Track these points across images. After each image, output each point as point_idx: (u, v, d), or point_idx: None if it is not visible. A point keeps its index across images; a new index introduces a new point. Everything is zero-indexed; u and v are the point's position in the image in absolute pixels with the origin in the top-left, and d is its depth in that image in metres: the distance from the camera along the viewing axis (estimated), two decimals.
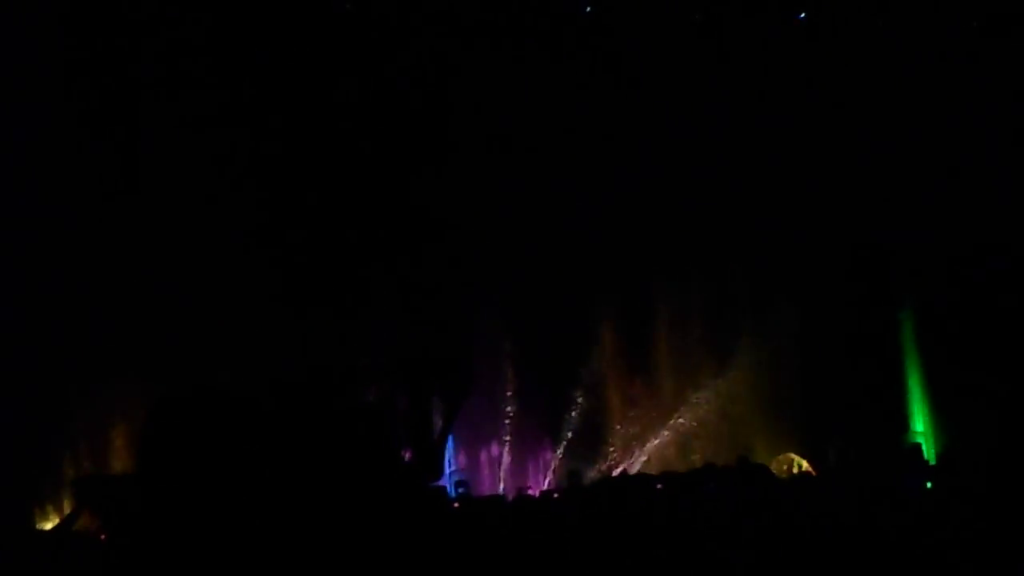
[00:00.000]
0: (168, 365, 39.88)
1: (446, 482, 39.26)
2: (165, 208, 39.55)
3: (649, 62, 43.73)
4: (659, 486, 36.61)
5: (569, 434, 45.32)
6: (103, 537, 32.40)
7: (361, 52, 37.54)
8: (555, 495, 39.85)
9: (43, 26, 40.83)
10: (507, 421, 45.32)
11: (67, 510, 38.44)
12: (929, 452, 41.85)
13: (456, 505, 36.24)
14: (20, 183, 40.47)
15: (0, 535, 34.77)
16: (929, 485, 35.44)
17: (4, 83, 39.94)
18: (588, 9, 44.01)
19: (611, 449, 45.04)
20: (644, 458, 44.62)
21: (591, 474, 43.82)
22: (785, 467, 42.09)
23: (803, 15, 44.38)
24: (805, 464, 42.25)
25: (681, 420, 45.10)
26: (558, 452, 45.25)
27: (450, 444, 38.46)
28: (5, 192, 40.07)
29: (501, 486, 44.68)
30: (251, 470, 29.88)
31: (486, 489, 43.49)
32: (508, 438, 45.39)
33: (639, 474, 41.98)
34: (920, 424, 43.14)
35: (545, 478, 45.52)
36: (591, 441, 45.28)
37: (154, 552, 26.54)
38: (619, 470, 44.04)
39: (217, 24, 37.22)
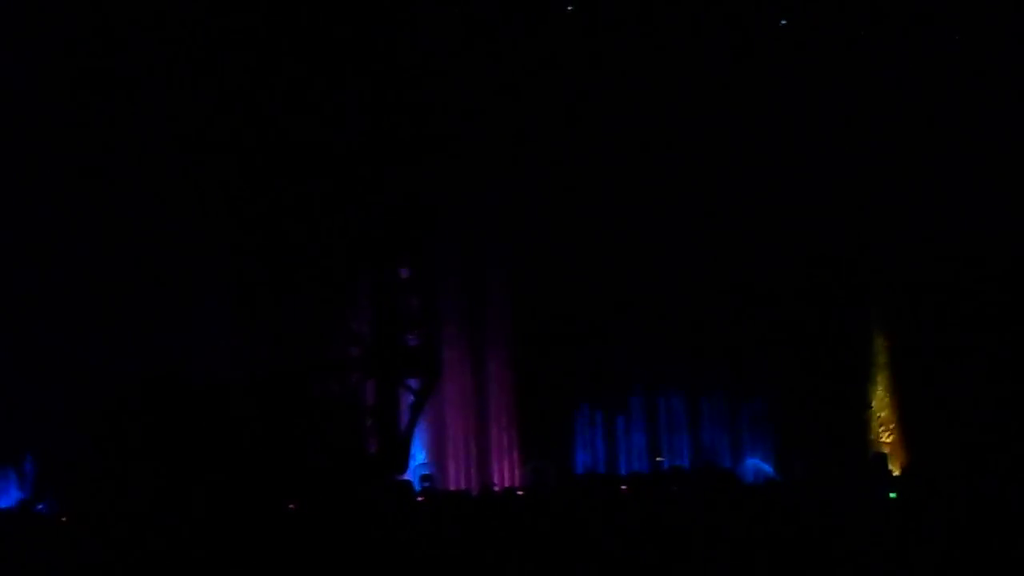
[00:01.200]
0: (139, 353, 39.89)
1: (411, 475, 39.15)
2: (141, 197, 39.44)
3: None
4: (623, 487, 36.63)
5: (532, 430, 45.25)
6: (63, 520, 32.30)
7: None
8: (519, 492, 39.79)
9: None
10: (473, 415, 45.24)
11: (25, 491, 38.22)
12: (893, 463, 41.95)
13: (421, 499, 36.16)
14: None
15: None
16: (893, 495, 35.49)
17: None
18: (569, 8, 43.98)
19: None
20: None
21: (555, 472, 43.72)
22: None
23: (784, 22, 44.35)
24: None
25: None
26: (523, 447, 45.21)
27: (416, 438, 38.28)
28: None
29: (463, 480, 44.59)
30: (212, 459, 29.85)
31: (451, 483, 43.39)
32: (472, 432, 45.30)
33: (604, 474, 41.94)
34: (886, 435, 43.22)
35: (509, 474, 45.46)
36: (554, 437, 45.18)
37: (112, 536, 26.50)
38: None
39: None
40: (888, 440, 42.87)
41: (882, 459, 41.29)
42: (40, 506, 35.15)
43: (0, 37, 40.37)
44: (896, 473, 41.00)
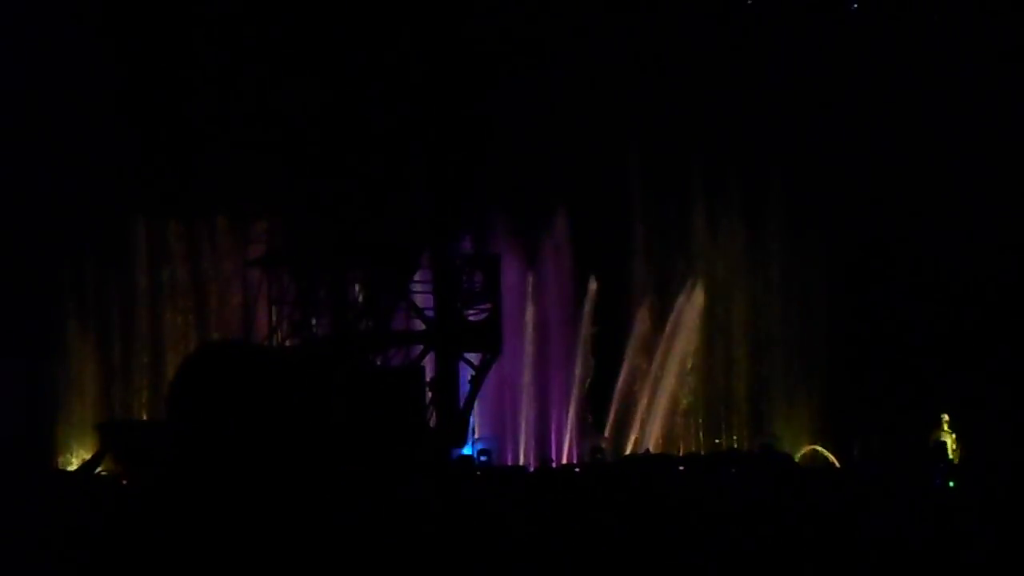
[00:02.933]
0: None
1: (470, 450, 39.35)
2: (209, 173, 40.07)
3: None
4: (681, 468, 36.68)
5: (589, 405, 45.41)
6: (125, 481, 32.62)
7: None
8: (576, 469, 39.90)
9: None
10: (531, 391, 45.43)
11: (90, 453, 38.64)
12: (953, 451, 41.76)
13: (479, 473, 36.36)
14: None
15: (24, 476, 35.02)
16: (952, 484, 35.38)
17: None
18: None
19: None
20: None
21: (610, 450, 43.82)
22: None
23: (856, 5, 44.19)
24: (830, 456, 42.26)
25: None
26: (583, 419, 45.33)
27: (474, 411, 38.49)
28: None
29: (522, 456, 44.77)
30: (279, 425, 30.05)
31: (507, 458, 43.58)
32: (530, 408, 45.49)
33: (662, 454, 41.97)
34: (946, 423, 43.01)
35: (565, 449, 45.60)
36: (609, 413, 45.31)
37: (177, 499, 26.71)
38: (640, 448, 44.03)
39: None
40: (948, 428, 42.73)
41: (942, 447, 41.15)
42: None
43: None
44: (955, 461, 40.84)
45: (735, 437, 44.56)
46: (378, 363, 35.67)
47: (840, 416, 43.24)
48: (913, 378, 43.29)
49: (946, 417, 42.49)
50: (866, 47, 44.37)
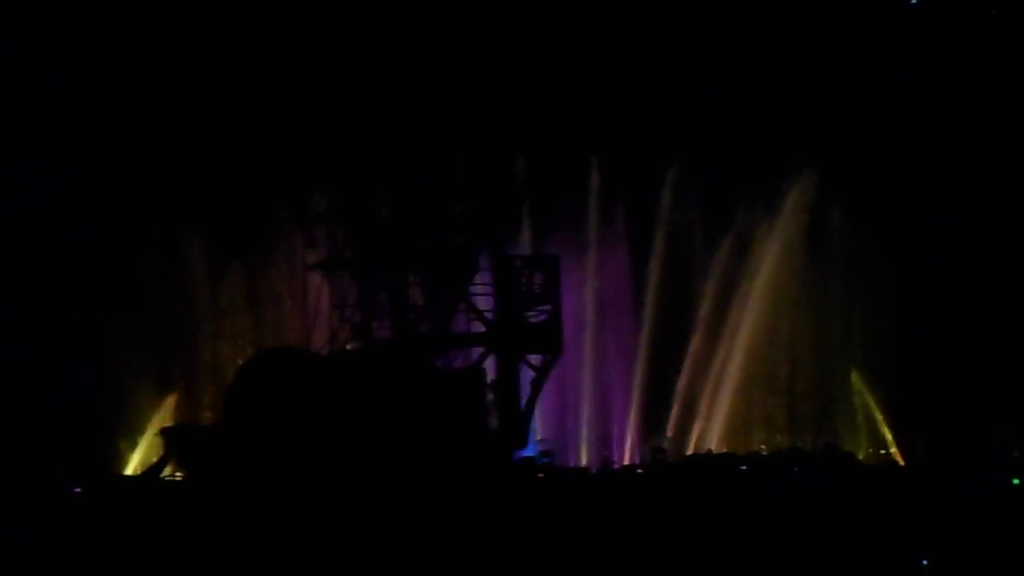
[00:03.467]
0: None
1: (532, 450, 39.32)
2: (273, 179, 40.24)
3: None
4: (743, 467, 36.53)
5: (647, 405, 45.41)
6: (188, 484, 32.84)
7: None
8: (639, 470, 39.81)
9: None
10: (593, 393, 45.44)
11: (155, 457, 38.88)
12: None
13: (541, 475, 36.33)
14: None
15: (87, 479, 35.30)
16: (1016, 481, 35.06)
17: None
18: None
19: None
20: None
21: (672, 450, 43.75)
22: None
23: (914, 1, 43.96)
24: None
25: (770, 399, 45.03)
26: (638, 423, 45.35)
27: (536, 412, 38.47)
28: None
29: (584, 457, 44.75)
30: (337, 429, 30.20)
31: (568, 458, 43.58)
32: (591, 408, 45.50)
33: (724, 454, 41.84)
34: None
35: (625, 450, 45.54)
36: (668, 413, 45.28)
37: (236, 500, 26.90)
38: (702, 447, 43.94)
39: None
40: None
41: (1007, 444, 40.78)
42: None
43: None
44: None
45: (796, 437, 44.41)
46: (439, 366, 35.70)
47: (905, 415, 42.99)
48: (977, 376, 43.03)
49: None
50: (931, 44, 44.12)
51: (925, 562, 25.01)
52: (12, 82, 40.93)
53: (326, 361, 32.84)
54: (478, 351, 36.32)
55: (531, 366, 36.51)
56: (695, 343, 45.46)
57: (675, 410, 45.10)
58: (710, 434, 44.64)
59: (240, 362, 38.44)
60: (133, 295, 43.13)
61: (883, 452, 42.42)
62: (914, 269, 43.55)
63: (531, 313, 36.45)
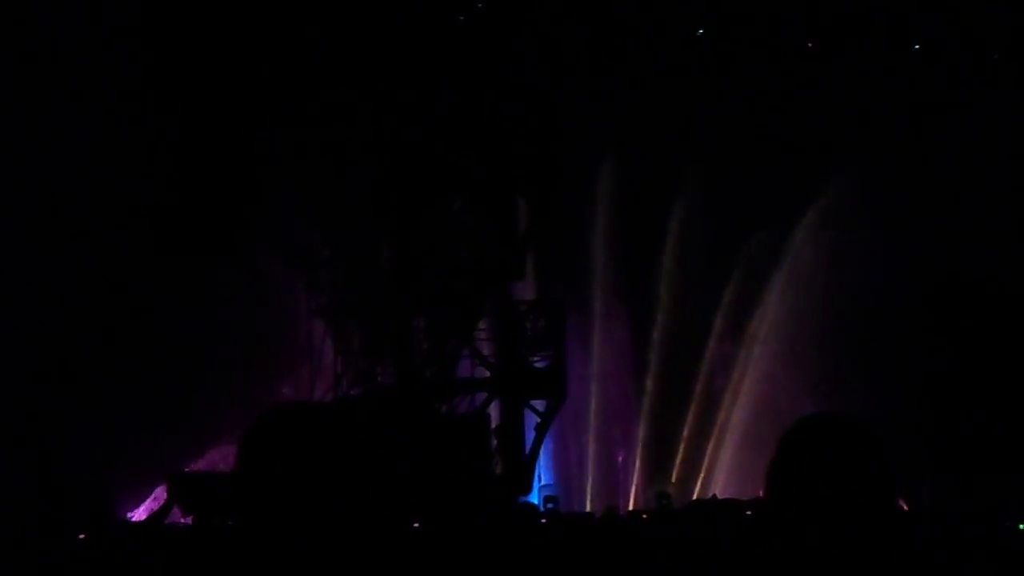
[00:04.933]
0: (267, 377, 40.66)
1: (535, 496, 39.27)
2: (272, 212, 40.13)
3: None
4: (748, 512, 36.40)
5: (651, 452, 45.37)
6: (193, 530, 32.80)
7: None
8: (644, 516, 39.72)
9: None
10: (596, 438, 45.43)
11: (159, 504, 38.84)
12: None
13: (544, 521, 36.25)
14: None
15: (90, 526, 35.26)
16: (1022, 527, 34.90)
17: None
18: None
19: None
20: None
21: (677, 495, 43.64)
22: None
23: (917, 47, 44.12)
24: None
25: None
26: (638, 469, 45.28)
27: (541, 459, 38.47)
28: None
29: (588, 503, 44.65)
30: (345, 477, 30.20)
31: (572, 504, 43.49)
32: (593, 454, 45.47)
33: (728, 499, 41.74)
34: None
35: (631, 496, 45.47)
36: (674, 460, 45.22)
37: (243, 547, 26.88)
38: (706, 493, 43.83)
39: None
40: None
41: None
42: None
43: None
44: None
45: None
46: (443, 411, 35.72)
47: (911, 457, 42.87)
48: (985, 416, 42.93)
49: None
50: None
51: None
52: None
53: (333, 410, 32.87)
54: (482, 396, 36.36)
55: (535, 411, 36.52)
56: (700, 389, 45.49)
57: (680, 456, 45.06)
58: (715, 480, 44.56)
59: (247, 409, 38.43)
60: (133, 335, 42.94)
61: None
62: (919, 313, 43.47)
63: (535, 358, 36.47)
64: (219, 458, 40.40)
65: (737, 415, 45.23)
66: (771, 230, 45.31)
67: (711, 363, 45.79)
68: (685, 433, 45.18)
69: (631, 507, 44.41)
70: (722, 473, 44.67)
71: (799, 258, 45.34)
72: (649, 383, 45.73)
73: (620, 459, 45.75)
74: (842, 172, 43.65)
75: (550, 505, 40.46)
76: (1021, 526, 34.73)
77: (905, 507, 40.96)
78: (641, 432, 45.58)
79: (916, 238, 43.24)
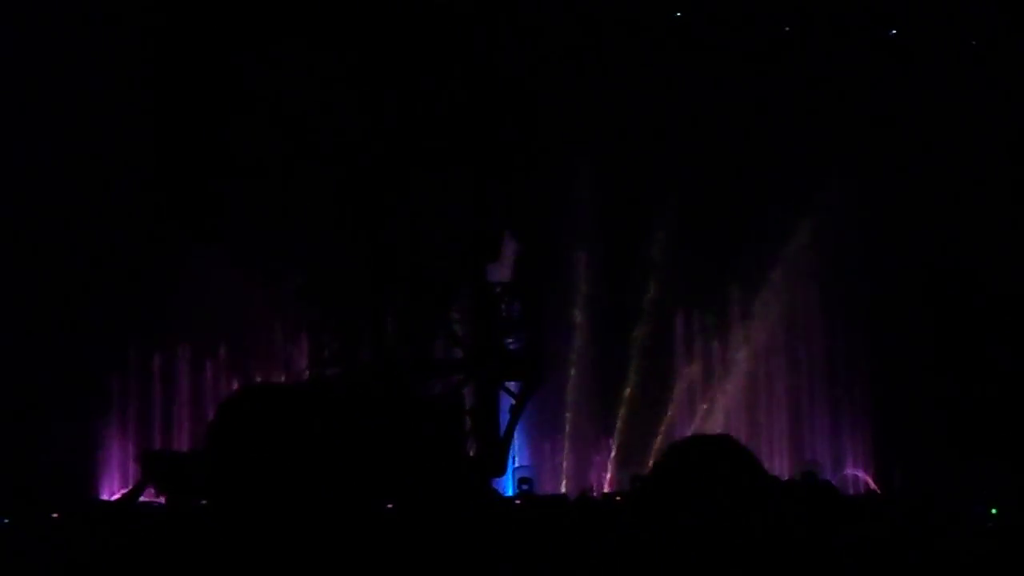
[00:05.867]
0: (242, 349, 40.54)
1: (510, 478, 39.31)
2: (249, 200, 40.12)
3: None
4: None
5: (626, 435, 45.38)
6: (166, 509, 32.74)
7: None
8: (618, 498, 39.79)
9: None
10: (567, 418, 45.47)
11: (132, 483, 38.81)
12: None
13: (518, 503, 36.28)
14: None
15: (65, 505, 35.19)
16: (994, 511, 35.03)
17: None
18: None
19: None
20: None
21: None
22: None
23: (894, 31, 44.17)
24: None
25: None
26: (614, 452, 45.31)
27: (515, 440, 38.48)
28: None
29: (563, 485, 44.70)
30: (316, 457, 30.12)
31: (547, 487, 43.53)
32: (568, 436, 45.49)
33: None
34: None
35: (604, 478, 45.50)
36: (648, 442, 45.26)
37: (214, 527, 26.82)
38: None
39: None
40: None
41: (987, 472, 40.76)
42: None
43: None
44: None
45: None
46: (417, 392, 35.67)
47: (883, 442, 43.03)
48: (957, 403, 43.06)
49: None
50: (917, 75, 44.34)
51: None
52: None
53: (307, 390, 32.80)
54: (457, 378, 36.32)
55: (510, 393, 36.51)
56: (680, 372, 45.60)
57: (658, 440, 45.09)
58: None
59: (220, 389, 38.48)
60: (112, 315, 42.94)
61: (856, 475, 42.47)
62: (891, 298, 43.60)
63: (511, 340, 36.43)
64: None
65: (719, 400, 45.38)
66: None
67: (690, 347, 45.90)
68: (665, 415, 45.26)
69: (607, 489, 44.46)
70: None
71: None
72: (630, 368, 45.79)
73: (596, 442, 45.78)
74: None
75: (524, 487, 40.48)
76: (993, 511, 34.86)
77: (877, 490, 41.16)
78: (620, 415, 45.61)
79: (911, 234, 43.44)
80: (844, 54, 44.54)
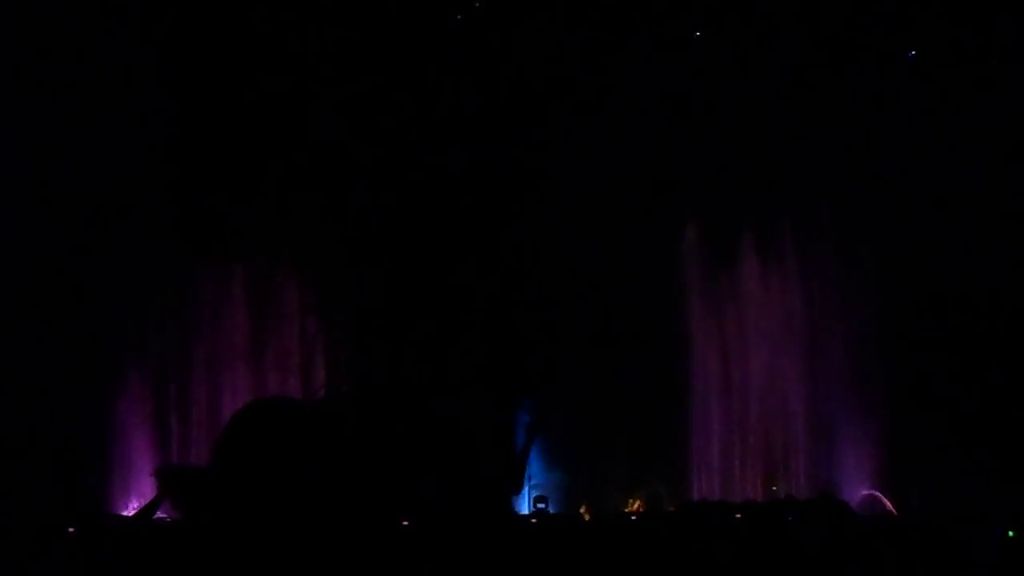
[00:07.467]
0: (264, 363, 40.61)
1: (525, 496, 39.28)
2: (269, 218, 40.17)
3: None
4: (738, 515, 36.45)
5: (643, 453, 45.32)
6: (178, 515, 32.83)
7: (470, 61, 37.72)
8: (632, 516, 39.77)
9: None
10: (584, 436, 45.38)
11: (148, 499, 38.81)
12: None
13: (533, 521, 36.27)
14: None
15: (81, 521, 35.21)
16: (1011, 534, 34.87)
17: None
18: None
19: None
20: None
21: (669, 498, 43.64)
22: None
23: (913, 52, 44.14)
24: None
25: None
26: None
27: (531, 458, 38.46)
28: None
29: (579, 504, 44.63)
30: (326, 472, 30.21)
31: (564, 504, 43.47)
32: (583, 454, 45.43)
33: (718, 502, 41.78)
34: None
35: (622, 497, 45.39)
36: (668, 461, 45.17)
37: (227, 539, 26.87)
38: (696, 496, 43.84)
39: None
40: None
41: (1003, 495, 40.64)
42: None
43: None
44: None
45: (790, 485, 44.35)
46: (435, 408, 35.71)
47: (901, 463, 42.90)
48: (977, 424, 42.96)
49: None
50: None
51: None
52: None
53: (317, 406, 32.93)
54: (475, 395, 36.37)
55: (528, 411, 36.53)
56: (692, 391, 45.48)
57: (672, 458, 44.99)
58: (707, 482, 44.53)
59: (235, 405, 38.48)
60: (131, 331, 43.02)
61: (873, 496, 42.40)
62: (912, 314, 43.50)
63: (529, 358, 36.48)
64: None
65: (736, 415, 45.30)
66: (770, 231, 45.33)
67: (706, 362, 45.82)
68: (682, 433, 45.18)
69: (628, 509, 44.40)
70: (715, 475, 44.67)
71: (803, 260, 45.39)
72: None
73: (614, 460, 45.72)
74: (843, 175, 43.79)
75: (540, 505, 40.44)
76: (1011, 533, 34.72)
77: (894, 511, 41.07)
78: (637, 433, 45.51)
79: (913, 247, 43.36)
80: (856, 70, 44.54)
